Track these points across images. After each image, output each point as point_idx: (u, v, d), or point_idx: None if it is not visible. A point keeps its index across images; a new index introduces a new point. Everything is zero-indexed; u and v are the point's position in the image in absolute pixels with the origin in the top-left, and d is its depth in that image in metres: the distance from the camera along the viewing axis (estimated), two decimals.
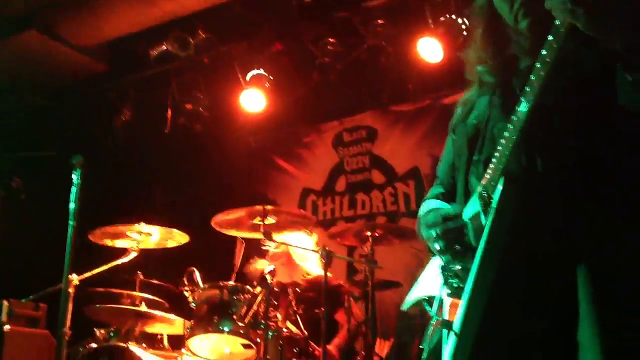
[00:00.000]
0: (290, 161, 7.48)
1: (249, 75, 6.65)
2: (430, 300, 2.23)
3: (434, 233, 2.06)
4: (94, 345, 4.71)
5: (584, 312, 1.81)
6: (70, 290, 4.17)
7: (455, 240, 2.01)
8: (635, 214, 1.87)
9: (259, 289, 4.55)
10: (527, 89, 1.85)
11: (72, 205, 3.93)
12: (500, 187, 1.91)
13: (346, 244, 5.95)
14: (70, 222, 3.91)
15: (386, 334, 4.91)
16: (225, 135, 7.60)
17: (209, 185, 7.59)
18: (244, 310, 4.57)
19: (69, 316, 4.07)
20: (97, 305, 4.87)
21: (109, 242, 5.01)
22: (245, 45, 6.76)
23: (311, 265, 5.29)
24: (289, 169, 7.47)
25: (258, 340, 4.46)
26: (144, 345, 4.72)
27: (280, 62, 6.84)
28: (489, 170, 2.01)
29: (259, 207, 4.65)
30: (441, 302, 2.12)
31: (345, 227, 5.81)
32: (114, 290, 5.02)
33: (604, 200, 1.87)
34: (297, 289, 4.76)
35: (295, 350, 4.59)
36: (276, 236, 4.75)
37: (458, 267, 2.01)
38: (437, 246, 2.06)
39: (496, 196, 1.92)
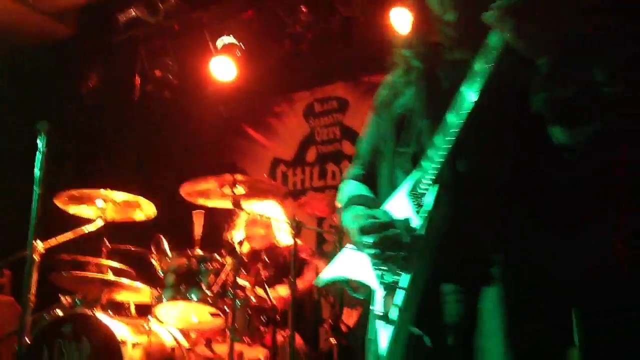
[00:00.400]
0: (261, 131, 7.44)
1: (219, 43, 6.57)
2: (350, 282, 2.26)
3: (370, 240, 2.05)
4: (59, 312, 4.67)
5: (496, 316, 1.92)
6: (36, 257, 4.12)
7: (390, 247, 2.02)
8: (559, 227, 1.98)
9: (229, 259, 4.54)
10: (460, 100, 1.88)
11: (36, 172, 3.87)
12: (434, 192, 1.95)
13: (316, 215, 5.94)
14: (35, 189, 3.86)
15: (353, 303, 4.93)
16: (194, 103, 7.50)
17: (178, 154, 7.52)
18: (212, 279, 4.57)
19: (34, 283, 4.03)
20: (63, 273, 4.83)
21: (74, 208, 4.94)
22: (216, 12, 6.66)
23: (282, 235, 5.29)
24: (259, 139, 7.42)
25: (226, 309, 4.46)
26: (110, 312, 4.69)
27: (252, 30, 6.76)
28: (418, 172, 2.03)
29: (228, 177, 4.61)
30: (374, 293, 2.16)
31: (315, 197, 5.81)
32: (80, 257, 4.96)
33: (533, 210, 1.95)
34: (265, 258, 4.76)
35: (263, 319, 4.60)
36: (246, 204, 4.72)
37: (388, 267, 2.05)
38: (370, 251, 2.06)
39: (430, 200, 1.96)
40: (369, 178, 2.39)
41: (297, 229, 4.38)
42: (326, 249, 5.98)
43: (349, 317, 4.88)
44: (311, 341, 5.15)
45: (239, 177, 4.61)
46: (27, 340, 3.90)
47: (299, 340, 4.77)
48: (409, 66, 2.26)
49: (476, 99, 1.84)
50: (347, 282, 2.28)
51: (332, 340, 4.61)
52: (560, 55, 1.75)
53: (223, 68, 6.64)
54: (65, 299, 4.84)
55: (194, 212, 4.88)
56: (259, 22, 6.80)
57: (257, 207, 4.98)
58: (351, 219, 2.21)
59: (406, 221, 2.01)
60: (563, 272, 1.97)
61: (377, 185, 2.32)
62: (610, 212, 4.79)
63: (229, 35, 6.50)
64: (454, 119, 1.89)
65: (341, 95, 7.04)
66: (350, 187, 2.43)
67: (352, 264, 2.24)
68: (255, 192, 4.80)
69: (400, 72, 2.30)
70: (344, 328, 4.75)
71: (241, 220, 5.24)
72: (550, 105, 1.82)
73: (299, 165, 7.15)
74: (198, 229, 4.85)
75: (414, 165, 2.08)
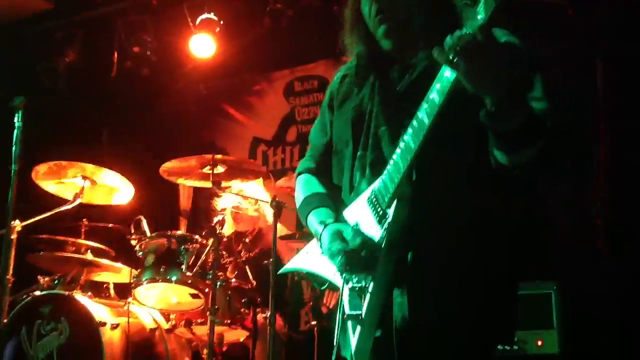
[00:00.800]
0: (240, 110, 7.36)
1: (198, 19, 6.47)
2: (315, 276, 2.33)
3: (338, 261, 2.10)
4: (37, 292, 4.63)
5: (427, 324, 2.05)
6: (13, 236, 4.07)
7: (357, 266, 2.08)
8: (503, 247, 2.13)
9: (210, 240, 4.51)
10: (417, 122, 1.94)
11: (14, 149, 3.81)
12: (395, 205, 2.02)
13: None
14: (13, 166, 3.80)
15: (334, 286, 4.93)
16: (173, 81, 7.41)
17: (157, 132, 7.43)
18: (192, 260, 4.54)
19: (11, 263, 3.98)
20: (41, 253, 4.79)
21: (51, 185, 4.89)
22: None
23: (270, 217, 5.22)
24: (239, 118, 7.35)
25: (206, 290, 4.44)
26: (89, 293, 4.66)
27: (231, 7, 6.68)
28: (378, 181, 2.10)
29: (208, 156, 4.58)
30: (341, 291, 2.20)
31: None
32: (58, 237, 4.92)
33: (485, 233, 2.08)
34: (246, 239, 4.74)
35: (244, 301, 4.58)
36: (233, 184, 4.70)
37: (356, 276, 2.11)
38: (338, 264, 2.11)
39: (391, 213, 2.03)
40: (322, 172, 2.44)
41: (278, 209, 4.36)
42: (306, 230, 5.94)
43: (329, 300, 4.88)
44: (292, 323, 5.15)
45: (218, 156, 4.59)
46: (6, 321, 3.87)
47: (279, 322, 4.76)
48: (360, 65, 2.31)
49: (430, 122, 1.89)
50: (312, 275, 2.35)
51: (313, 322, 4.61)
52: (506, 94, 1.80)
53: (202, 45, 6.56)
54: (43, 279, 4.80)
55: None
56: None
57: (244, 188, 4.96)
58: (317, 224, 2.26)
59: (370, 240, 2.08)
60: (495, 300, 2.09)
61: (331, 179, 2.39)
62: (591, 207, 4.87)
63: (208, 12, 6.40)
64: (412, 140, 1.95)
65: (322, 75, 6.97)
66: (305, 184, 2.47)
67: (320, 258, 2.27)
68: (235, 171, 4.77)
69: (353, 69, 2.34)
70: (324, 310, 4.75)
71: (227, 200, 5.21)
72: (495, 135, 1.89)
73: (279, 145, 7.09)
74: (186, 199, 4.83)
75: (372, 170, 2.16)
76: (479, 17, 1.72)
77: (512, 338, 2.21)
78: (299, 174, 2.53)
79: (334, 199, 2.36)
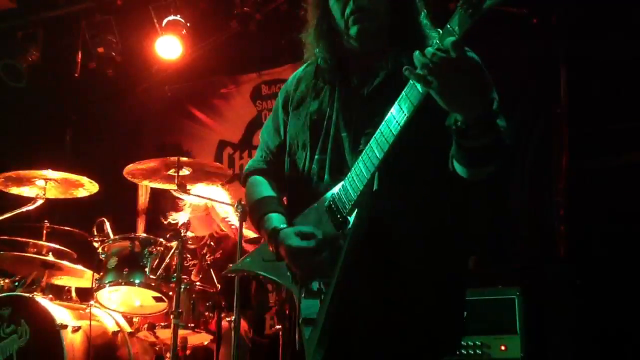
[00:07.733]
0: (207, 112, 7.32)
1: (164, 21, 6.43)
2: (263, 277, 2.39)
3: (296, 261, 2.13)
4: None
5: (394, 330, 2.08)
6: None
7: (315, 262, 2.10)
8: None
9: (174, 243, 4.47)
10: (381, 139, 1.94)
11: None
12: (355, 213, 2.03)
13: None
14: None
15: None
16: (139, 82, 7.36)
17: (122, 133, 7.37)
18: (156, 262, 4.49)
19: None
20: (1, 254, 4.70)
21: (14, 190, 4.82)
22: None
23: (233, 218, 5.20)
24: (205, 121, 7.30)
25: (170, 293, 4.40)
26: (50, 296, 4.60)
27: (198, 9, 6.65)
28: (338, 190, 2.11)
29: (173, 158, 4.55)
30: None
31: None
32: (19, 238, 4.84)
33: (444, 240, 2.13)
34: (211, 242, 4.71)
35: (208, 304, 4.55)
36: (191, 189, 4.66)
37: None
38: (297, 264, 2.14)
39: (350, 222, 2.04)
40: (272, 174, 2.44)
41: (243, 212, 4.33)
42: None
43: None
44: (257, 327, 5.12)
45: (183, 159, 4.56)
46: None
47: (244, 326, 4.75)
48: (321, 65, 2.30)
49: (397, 134, 1.89)
50: (259, 276, 2.41)
51: (278, 326, 4.59)
52: (480, 116, 1.80)
53: (168, 46, 6.52)
54: (3, 281, 4.73)
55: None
56: (205, 1, 6.69)
57: (202, 192, 4.92)
58: (270, 230, 2.24)
59: (328, 241, 2.08)
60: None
61: (281, 181, 2.39)
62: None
63: (175, 14, 6.36)
64: (378, 150, 1.95)
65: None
66: (256, 186, 2.45)
67: (275, 265, 2.27)
68: (200, 174, 4.74)
69: (311, 70, 2.34)
70: (289, 312, 4.73)
71: (187, 204, 5.18)
72: (462, 151, 1.90)
73: (245, 148, 7.07)
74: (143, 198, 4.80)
75: (331, 175, 2.17)
76: (454, 29, 1.69)
77: (458, 348, 2.27)
78: (249, 174, 2.51)
79: (283, 202, 2.37)
